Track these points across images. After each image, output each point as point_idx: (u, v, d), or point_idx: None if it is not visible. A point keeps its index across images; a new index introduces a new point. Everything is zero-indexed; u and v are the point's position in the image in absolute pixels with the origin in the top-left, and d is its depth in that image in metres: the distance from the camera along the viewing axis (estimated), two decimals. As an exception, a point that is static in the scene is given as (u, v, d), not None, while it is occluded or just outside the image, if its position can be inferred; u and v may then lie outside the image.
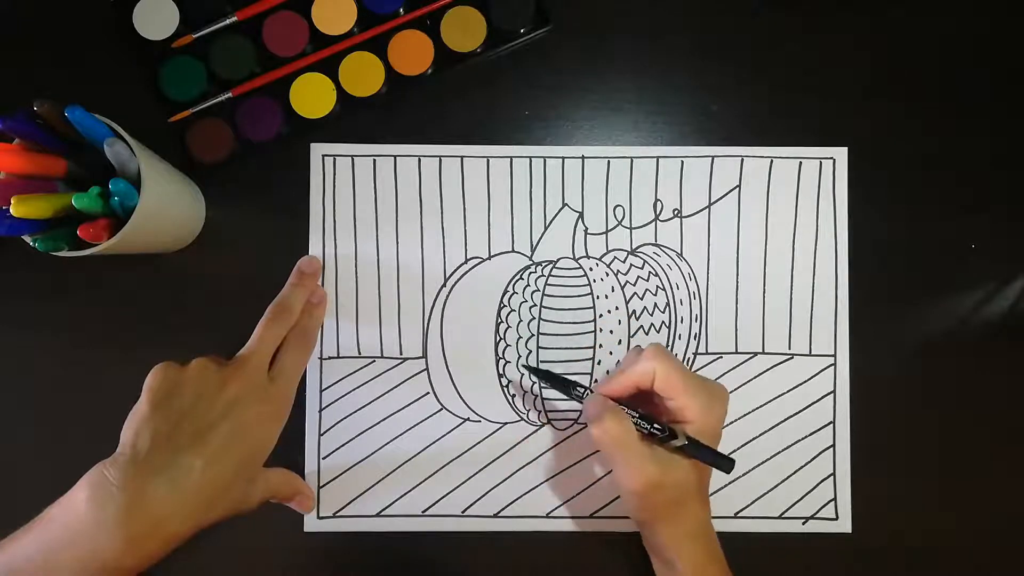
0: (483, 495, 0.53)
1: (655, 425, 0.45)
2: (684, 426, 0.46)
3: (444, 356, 0.53)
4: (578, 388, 0.49)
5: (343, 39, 0.53)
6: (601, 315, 0.53)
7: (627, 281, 0.54)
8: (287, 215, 0.54)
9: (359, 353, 0.53)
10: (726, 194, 0.54)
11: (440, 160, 0.54)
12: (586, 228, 0.54)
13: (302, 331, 0.50)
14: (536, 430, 0.53)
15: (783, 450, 0.53)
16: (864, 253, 0.54)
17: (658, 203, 0.54)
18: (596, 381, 0.53)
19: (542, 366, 0.53)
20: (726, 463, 0.45)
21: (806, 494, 0.53)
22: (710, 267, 0.54)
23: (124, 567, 0.40)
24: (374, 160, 0.54)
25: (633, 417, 0.45)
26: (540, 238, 0.54)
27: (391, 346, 0.53)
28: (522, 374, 0.53)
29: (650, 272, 0.54)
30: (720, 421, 0.47)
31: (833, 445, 0.53)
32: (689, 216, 0.54)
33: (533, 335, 0.53)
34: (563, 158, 0.54)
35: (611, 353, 0.53)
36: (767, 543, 0.53)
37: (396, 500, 0.53)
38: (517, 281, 0.54)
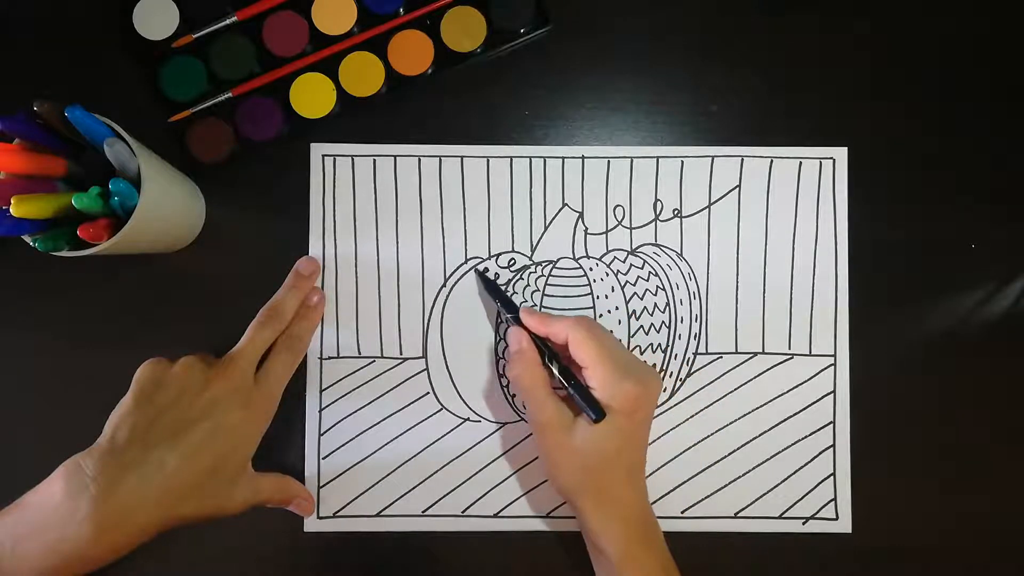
0: (483, 495, 0.53)
1: (554, 371, 0.48)
2: (593, 391, 0.46)
3: (444, 356, 0.53)
4: (511, 313, 0.50)
5: (343, 39, 0.53)
6: (601, 315, 0.53)
7: (627, 281, 0.54)
8: (287, 215, 0.54)
9: (359, 353, 0.53)
10: (726, 194, 0.54)
11: (440, 160, 0.54)
12: (586, 228, 0.54)
13: (293, 335, 0.51)
14: (536, 430, 0.53)
15: (783, 450, 0.53)
16: (864, 253, 0.54)
17: (658, 203, 0.54)
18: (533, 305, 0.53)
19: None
20: (593, 409, 0.45)
21: (806, 494, 0.53)
22: (710, 267, 0.54)
23: (90, 557, 0.40)
24: (374, 160, 0.54)
25: (546, 361, 0.48)
26: (540, 238, 0.54)
27: (391, 346, 0.53)
28: (477, 278, 0.53)
29: (650, 272, 0.54)
30: (630, 400, 0.45)
31: (833, 445, 0.53)
32: (689, 216, 0.54)
33: (533, 335, 0.53)
34: (563, 158, 0.54)
35: (611, 353, 0.53)
36: (767, 543, 0.53)
37: (396, 500, 0.53)
38: (517, 281, 0.54)
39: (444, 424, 0.53)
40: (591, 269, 0.54)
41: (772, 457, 0.53)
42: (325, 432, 0.53)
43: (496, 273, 0.53)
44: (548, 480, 0.50)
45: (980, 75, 0.55)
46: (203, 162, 0.53)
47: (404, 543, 0.52)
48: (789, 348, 0.54)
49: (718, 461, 0.53)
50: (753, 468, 0.53)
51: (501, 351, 0.53)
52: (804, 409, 0.54)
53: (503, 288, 0.53)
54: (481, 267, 0.53)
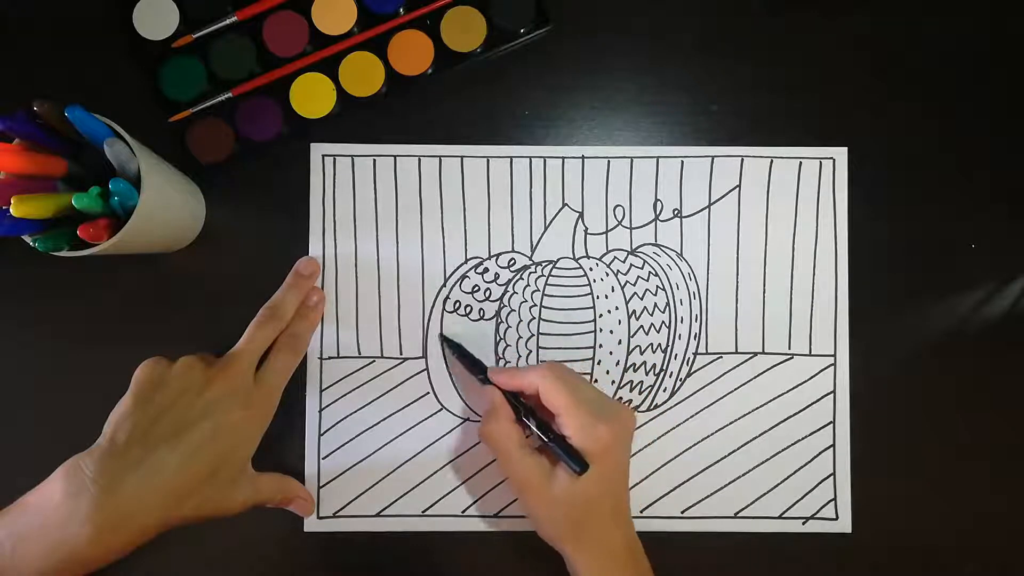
0: (483, 495, 0.53)
1: (532, 426, 0.47)
2: (569, 440, 0.46)
3: (444, 356, 0.53)
4: (480, 374, 0.50)
5: (343, 39, 0.53)
6: (601, 315, 0.53)
7: (627, 281, 0.54)
8: (287, 215, 0.54)
9: (359, 353, 0.53)
10: (726, 194, 0.54)
11: (440, 160, 0.54)
12: (586, 228, 0.54)
13: (293, 335, 0.51)
14: (536, 430, 0.53)
15: (783, 450, 0.53)
16: (864, 253, 0.54)
17: (658, 203, 0.54)
18: (507, 363, 0.53)
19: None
20: (575, 461, 0.44)
21: (806, 494, 0.53)
22: (710, 267, 0.54)
23: (90, 557, 0.40)
24: (374, 160, 0.54)
25: (522, 417, 0.47)
26: (540, 238, 0.54)
27: (391, 346, 0.53)
28: (441, 343, 0.53)
29: (650, 272, 0.54)
30: (603, 444, 0.45)
31: (833, 445, 0.53)
32: (689, 216, 0.54)
33: (533, 335, 0.53)
34: (563, 158, 0.54)
35: (611, 353, 0.53)
36: (767, 543, 0.53)
37: (396, 500, 0.53)
38: (517, 281, 0.54)
39: (444, 424, 0.53)
40: (591, 269, 0.54)
41: (772, 457, 0.53)
42: (325, 432, 0.53)
43: (496, 273, 0.54)
44: (534, 529, 0.48)
45: (980, 75, 0.55)
46: (203, 162, 0.53)
47: (404, 543, 0.52)
48: (789, 348, 0.54)
49: (718, 461, 0.53)
50: (753, 468, 0.53)
51: (501, 351, 0.53)
52: (804, 409, 0.54)
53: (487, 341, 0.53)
54: (449, 317, 0.53)
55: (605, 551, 0.46)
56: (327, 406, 0.53)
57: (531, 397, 0.48)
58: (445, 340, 0.53)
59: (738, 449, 0.53)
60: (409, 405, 0.53)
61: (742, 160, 0.54)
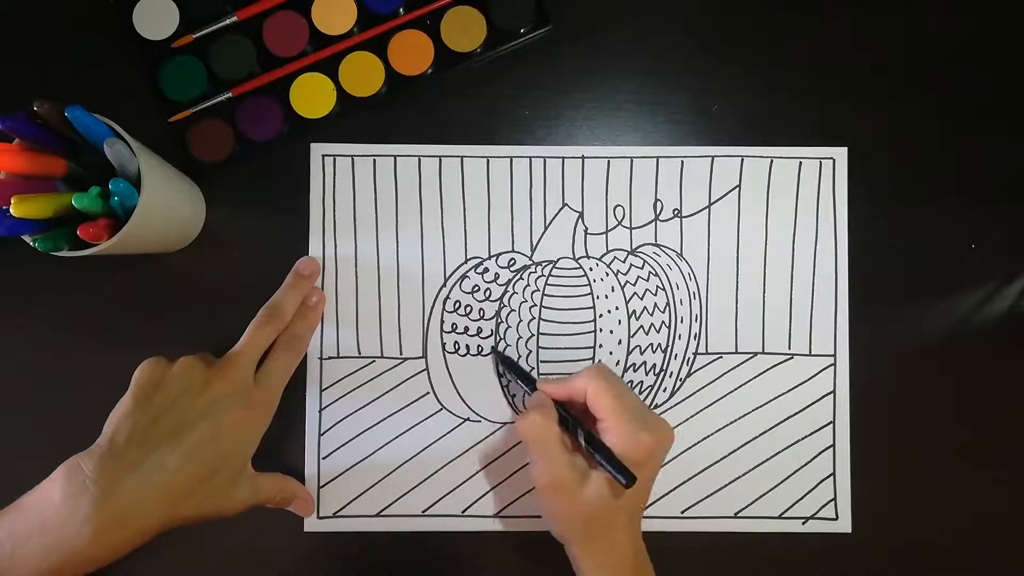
0: (483, 495, 0.53)
1: (580, 437, 0.46)
2: (613, 448, 0.46)
3: (444, 356, 0.53)
4: (530, 386, 0.50)
5: (343, 39, 0.53)
6: (601, 315, 0.53)
7: (627, 281, 0.54)
8: (287, 215, 0.54)
9: (359, 353, 0.53)
10: (726, 194, 0.54)
11: (440, 160, 0.54)
12: (586, 228, 0.54)
13: (293, 335, 0.51)
14: (536, 430, 0.53)
15: (783, 450, 0.53)
16: (864, 253, 0.54)
17: (658, 203, 0.54)
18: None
19: (542, 367, 0.53)
20: (622, 474, 0.44)
21: (806, 494, 0.53)
22: (710, 267, 0.54)
23: (90, 558, 0.40)
24: (374, 160, 0.54)
25: (567, 421, 0.47)
26: (540, 238, 0.54)
27: (391, 346, 0.53)
28: (493, 357, 0.53)
29: (650, 272, 0.54)
30: (646, 452, 0.45)
31: (833, 445, 0.53)
32: (689, 216, 0.54)
33: (533, 335, 0.53)
34: (563, 158, 0.54)
35: (611, 353, 0.53)
36: (767, 543, 0.53)
37: (396, 500, 0.53)
38: (517, 281, 0.54)
39: (444, 424, 0.53)
40: (591, 269, 0.54)
41: (772, 457, 0.53)
42: (325, 432, 0.53)
43: (496, 273, 0.54)
44: (546, 525, 0.48)
45: (980, 75, 0.55)
46: (203, 162, 0.53)
47: (404, 543, 0.53)
48: (789, 348, 0.54)
49: (718, 461, 0.53)
50: (753, 468, 0.53)
51: (501, 351, 0.53)
52: (804, 409, 0.54)
53: (508, 363, 0.52)
54: (498, 347, 0.53)
55: (614, 556, 0.46)
56: (327, 406, 0.53)
57: (577, 406, 0.48)
58: (497, 355, 0.53)
59: (738, 449, 0.53)
60: (409, 405, 0.53)
61: (742, 160, 0.54)
